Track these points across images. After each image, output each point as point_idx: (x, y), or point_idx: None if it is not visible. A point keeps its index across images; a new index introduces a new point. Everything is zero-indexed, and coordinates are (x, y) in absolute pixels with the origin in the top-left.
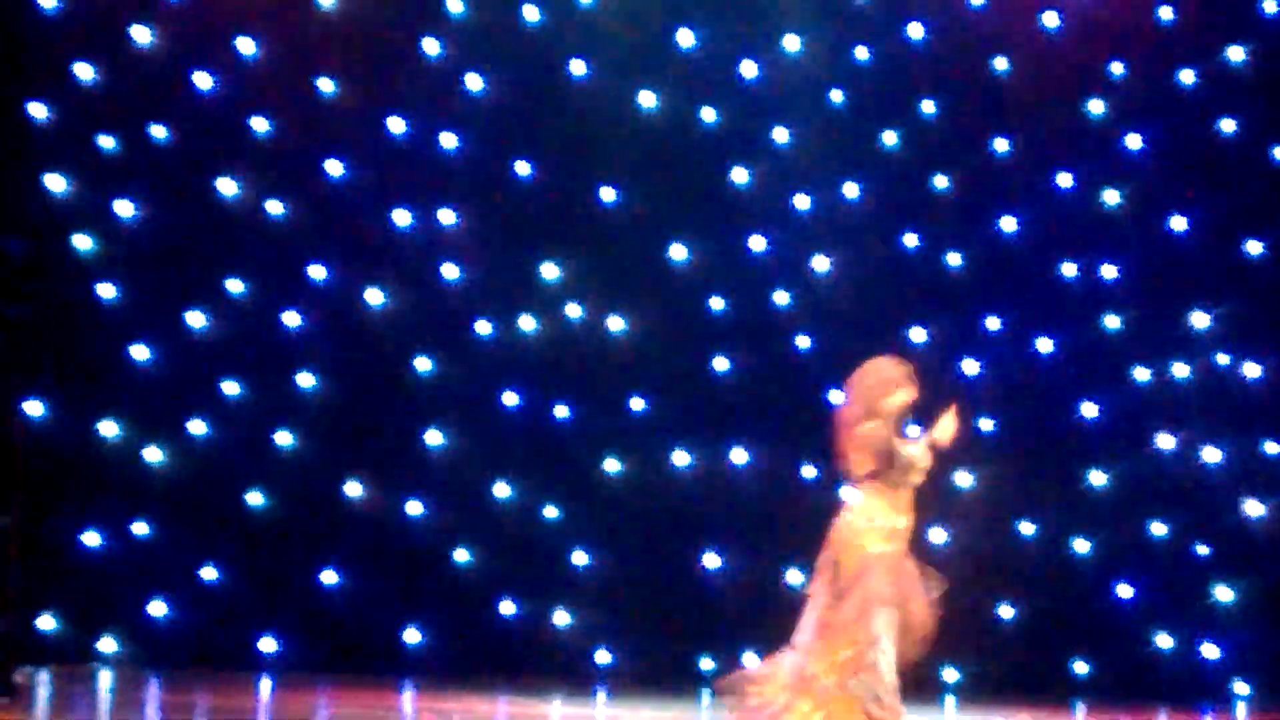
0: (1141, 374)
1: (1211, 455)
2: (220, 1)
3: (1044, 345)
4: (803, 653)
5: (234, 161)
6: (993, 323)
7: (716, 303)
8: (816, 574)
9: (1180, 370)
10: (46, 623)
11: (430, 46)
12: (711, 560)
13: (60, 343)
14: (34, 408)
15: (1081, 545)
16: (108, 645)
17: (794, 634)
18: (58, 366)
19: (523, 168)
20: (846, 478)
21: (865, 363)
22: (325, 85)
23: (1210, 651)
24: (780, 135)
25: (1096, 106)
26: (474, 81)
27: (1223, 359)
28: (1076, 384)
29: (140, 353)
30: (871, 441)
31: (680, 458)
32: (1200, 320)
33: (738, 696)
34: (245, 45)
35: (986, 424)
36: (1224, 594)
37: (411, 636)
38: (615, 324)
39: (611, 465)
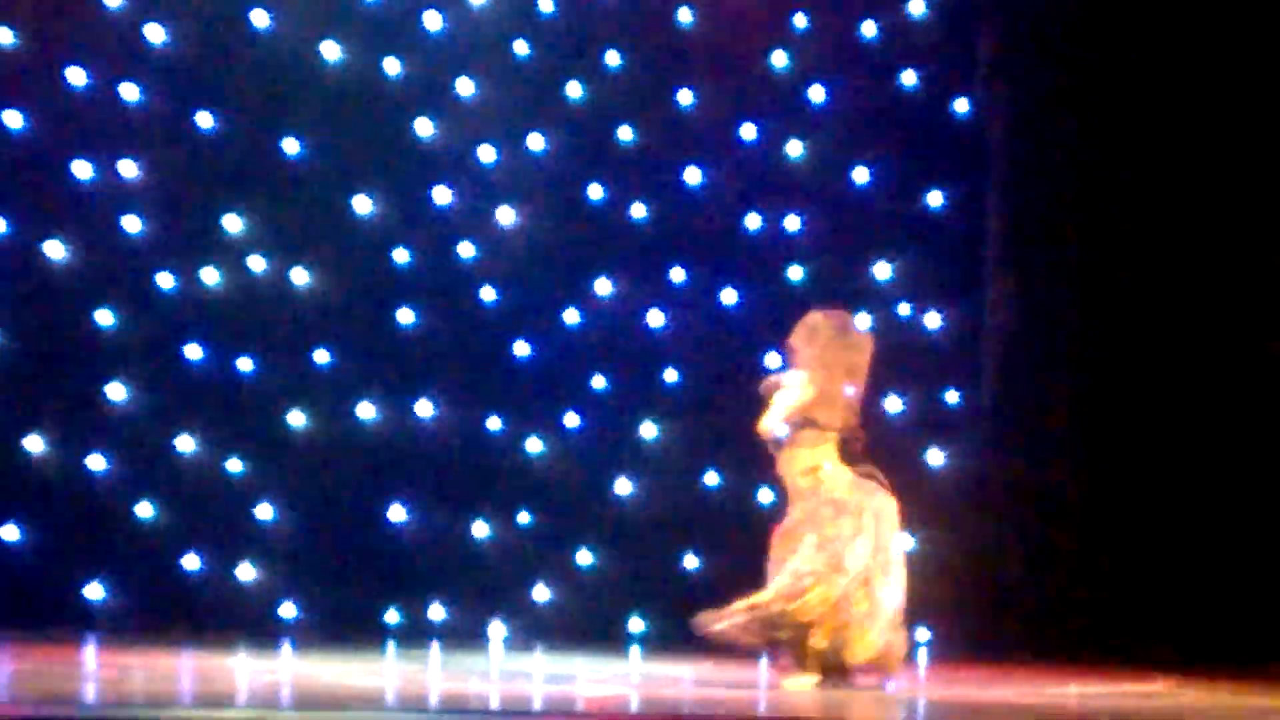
0: None
1: (893, 405)
2: None
3: (729, 297)
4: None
5: None
6: (678, 274)
7: (401, 255)
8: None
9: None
10: None
11: None
12: (397, 512)
13: None
14: None
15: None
16: None
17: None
18: None
19: (205, 119)
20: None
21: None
22: (2, 35)
23: None
24: (464, 87)
25: (780, 59)
26: (155, 32)
27: (904, 309)
28: (761, 335)
29: None
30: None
31: (365, 410)
32: (882, 271)
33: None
34: None
35: (671, 375)
36: None
37: (94, 592)
38: (299, 277)
39: (296, 418)
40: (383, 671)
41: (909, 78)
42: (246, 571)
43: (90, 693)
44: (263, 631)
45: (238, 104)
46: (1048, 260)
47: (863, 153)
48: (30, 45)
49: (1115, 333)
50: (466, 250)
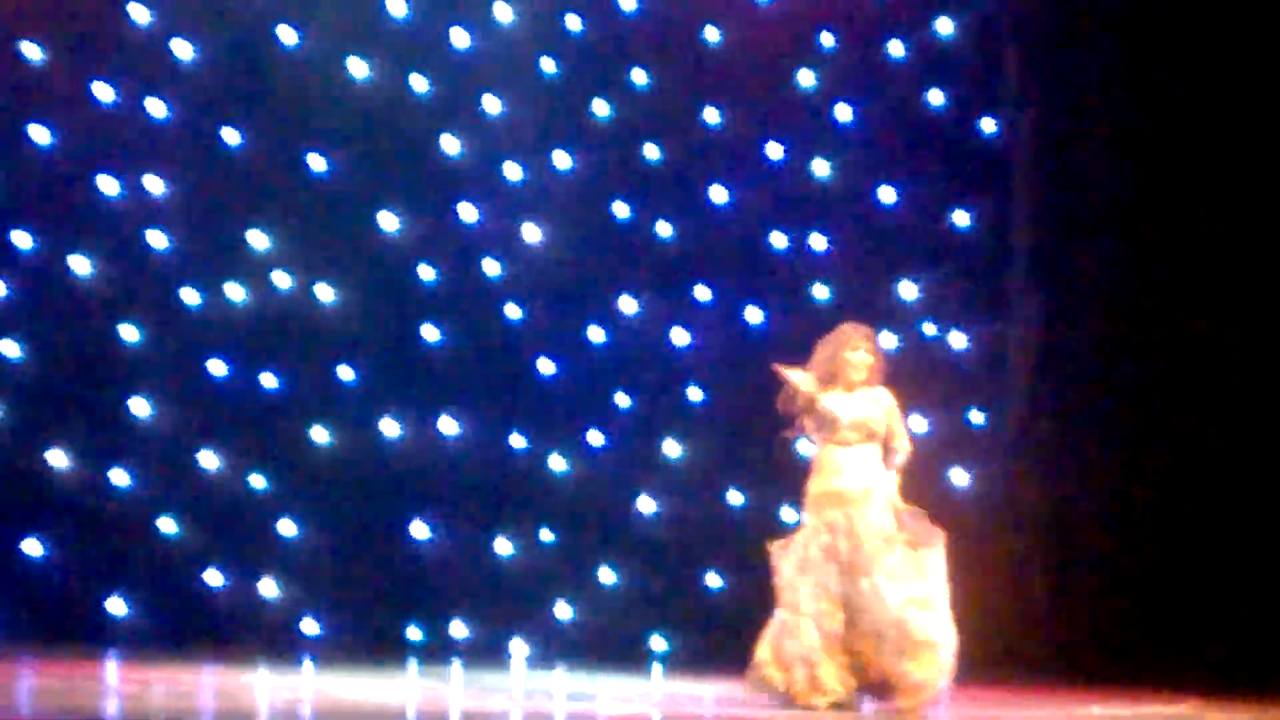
0: None
1: (918, 425)
2: None
3: (754, 316)
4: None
5: None
6: (703, 293)
7: (426, 272)
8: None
9: (888, 340)
10: None
11: (138, 13)
12: (420, 529)
13: None
14: None
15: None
16: None
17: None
18: None
19: (231, 135)
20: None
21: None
22: (30, 51)
23: None
24: (491, 104)
25: (806, 78)
26: (182, 49)
27: (929, 329)
28: (786, 353)
29: None
30: (796, 399)
31: (389, 427)
32: (908, 290)
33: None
34: None
35: (696, 394)
36: None
37: (116, 606)
38: (324, 293)
39: (320, 434)
40: (404, 688)
41: (936, 97)
42: (269, 587)
43: (111, 708)
44: (284, 648)
45: (264, 120)
46: (1073, 279)
47: (889, 172)
48: (58, 60)
49: (1142, 351)
50: (491, 267)
